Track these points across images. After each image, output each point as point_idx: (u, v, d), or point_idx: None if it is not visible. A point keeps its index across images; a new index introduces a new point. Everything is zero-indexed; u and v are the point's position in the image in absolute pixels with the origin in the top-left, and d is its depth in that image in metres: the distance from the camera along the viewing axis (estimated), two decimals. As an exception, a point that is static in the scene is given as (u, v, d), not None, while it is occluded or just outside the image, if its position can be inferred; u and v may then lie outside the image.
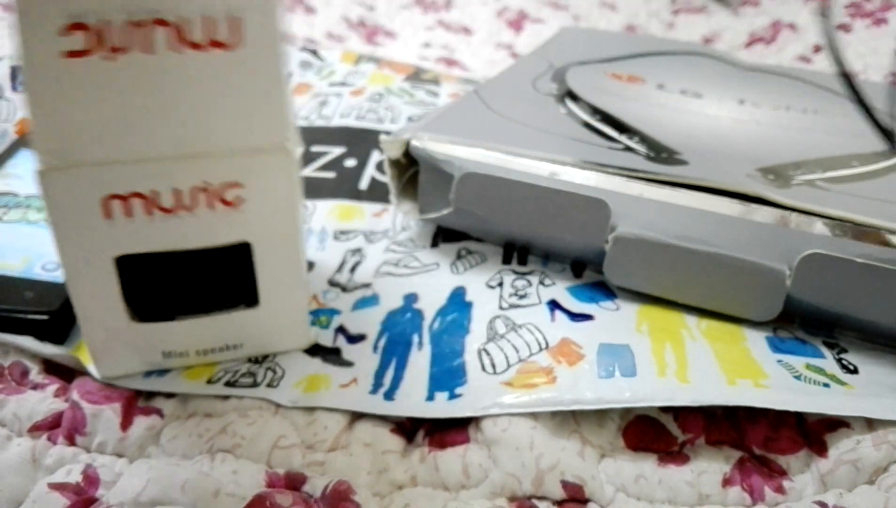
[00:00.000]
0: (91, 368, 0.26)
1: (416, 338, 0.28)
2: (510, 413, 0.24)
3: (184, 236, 0.23)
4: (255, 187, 0.23)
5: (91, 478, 0.23)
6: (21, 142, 0.38)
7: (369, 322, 0.29)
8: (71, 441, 0.24)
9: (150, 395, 0.26)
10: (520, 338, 0.27)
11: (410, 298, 0.30)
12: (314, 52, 0.55)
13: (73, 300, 0.24)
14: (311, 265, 0.33)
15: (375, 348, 0.28)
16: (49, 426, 0.25)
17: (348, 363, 0.27)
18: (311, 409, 0.25)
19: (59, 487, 0.23)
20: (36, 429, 0.24)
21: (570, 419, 0.25)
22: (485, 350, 0.27)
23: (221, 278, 0.25)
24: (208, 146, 0.22)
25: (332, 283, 0.32)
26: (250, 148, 0.22)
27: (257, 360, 0.27)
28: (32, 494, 0.22)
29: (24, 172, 0.35)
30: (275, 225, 0.24)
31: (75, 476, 0.23)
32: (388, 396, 0.25)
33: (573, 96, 0.39)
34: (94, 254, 0.23)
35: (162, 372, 0.26)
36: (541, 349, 0.27)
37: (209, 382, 0.26)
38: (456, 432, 0.25)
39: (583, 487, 0.23)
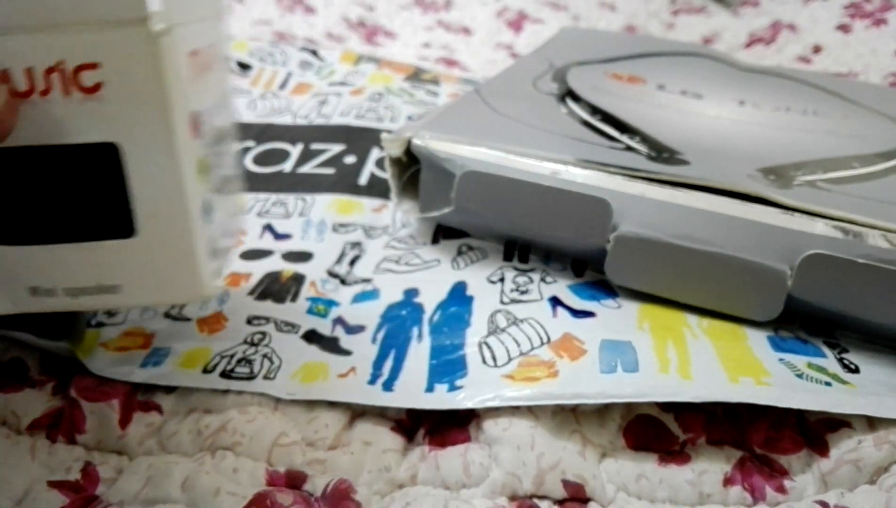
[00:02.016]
0: (87, 361, 0.26)
1: (415, 330, 0.28)
2: (511, 406, 0.24)
3: (40, 128, 0.20)
4: (114, 70, 0.20)
5: (90, 476, 0.23)
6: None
7: (369, 315, 0.29)
8: (70, 439, 0.24)
9: (149, 390, 0.26)
10: (521, 332, 0.27)
11: (411, 293, 0.30)
12: (314, 53, 0.55)
13: None
14: (308, 255, 0.33)
15: (374, 339, 0.28)
16: (48, 424, 0.24)
17: (346, 352, 0.27)
18: (311, 406, 0.25)
19: (58, 485, 0.22)
20: (35, 427, 0.24)
21: (571, 419, 0.25)
22: (485, 343, 0.27)
23: (92, 196, 0.22)
24: (60, 17, 0.19)
25: (332, 273, 0.32)
26: (106, 21, 0.19)
27: (253, 343, 0.27)
28: (32, 492, 0.22)
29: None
30: (143, 122, 0.20)
31: (74, 474, 0.23)
32: (387, 386, 0.25)
33: (574, 96, 0.39)
34: None
35: (157, 362, 0.26)
36: (542, 344, 0.27)
37: (205, 371, 0.26)
38: (457, 430, 0.24)
39: (584, 486, 0.23)
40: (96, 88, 0.20)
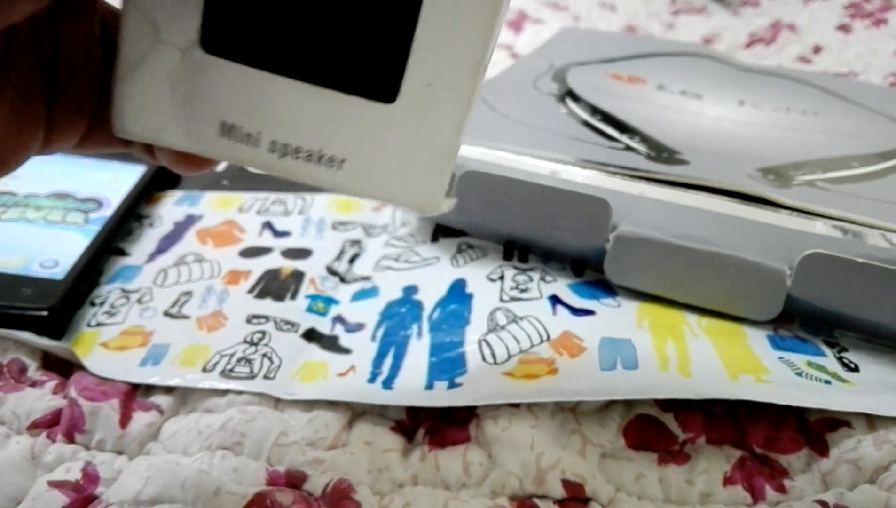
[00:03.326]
0: (87, 361, 0.26)
1: (415, 328, 0.28)
2: (511, 405, 0.24)
3: None
4: None
5: (90, 476, 0.23)
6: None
7: (368, 312, 0.29)
8: (70, 439, 0.24)
9: (148, 390, 0.26)
10: (521, 330, 0.27)
11: (410, 290, 0.30)
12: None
13: None
14: (308, 252, 0.33)
15: (374, 337, 0.28)
16: (48, 424, 0.24)
17: (346, 350, 0.27)
18: (310, 405, 0.25)
19: (58, 485, 0.22)
20: (35, 427, 0.24)
21: (571, 418, 0.24)
22: (485, 341, 0.27)
23: (364, 37, 0.16)
24: None
25: (331, 270, 0.32)
26: None
27: (253, 342, 0.27)
28: (32, 492, 0.22)
29: (22, 172, 0.35)
30: None
31: (75, 474, 0.23)
32: (387, 384, 0.25)
33: (574, 96, 0.39)
34: None
35: (156, 361, 0.26)
36: (542, 341, 0.27)
37: (205, 370, 0.26)
38: (456, 430, 0.24)
39: (583, 486, 0.23)
40: None
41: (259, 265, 0.32)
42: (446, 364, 0.26)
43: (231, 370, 0.26)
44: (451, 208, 0.20)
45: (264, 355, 0.27)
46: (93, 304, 0.30)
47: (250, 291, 0.30)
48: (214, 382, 0.25)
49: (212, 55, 0.16)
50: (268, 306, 0.29)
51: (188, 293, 0.30)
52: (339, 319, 0.29)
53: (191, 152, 0.17)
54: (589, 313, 0.28)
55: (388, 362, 0.27)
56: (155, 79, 0.16)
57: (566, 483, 0.23)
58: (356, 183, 0.17)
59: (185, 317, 0.29)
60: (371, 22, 0.16)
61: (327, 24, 0.16)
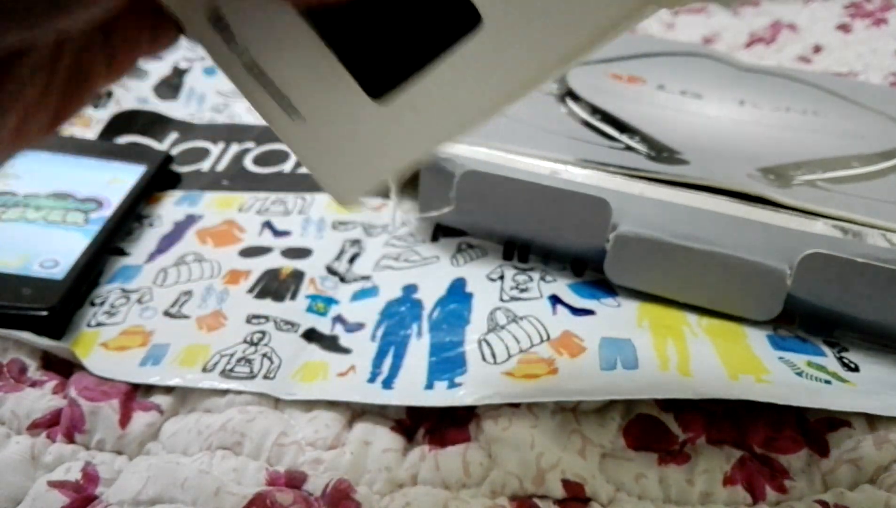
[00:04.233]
0: (87, 361, 0.26)
1: (415, 327, 0.28)
2: (511, 405, 0.24)
3: None
4: None
5: (90, 476, 0.23)
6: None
7: (368, 312, 0.29)
8: (70, 439, 0.24)
9: (148, 390, 0.26)
10: (521, 329, 0.27)
11: (410, 289, 0.30)
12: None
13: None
14: (308, 252, 0.33)
15: (374, 336, 0.28)
16: (48, 424, 0.24)
17: (346, 350, 0.27)
18: (310, 405, 0.25)
19: (58, 485, 0.22)
20: (35, 427, 0.24)
21: (571, 418, 0.24)
22: (485, 341, 0.27)
23: (402, 34, 0.17)
24: None
25: (331, 270, 0.32)
26: None
27: (253, 342, 0.27)
28: (32, 492, 0.22)
29: (22, 172, 0.35)
30: None
31: (74, 474, 0.23)
32: (387, 384, 0.25)
33: (574, 96, 0.38)
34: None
35: (156, 361, 0.26)
36: (542, 341, 0.27)
37: (204, 370, 0.26)
38: (456, 430, 0.24)
39: (584, 486, 0.23)
40: None
41: (259, 265, 0.32)
42: (446, 364, 0.26)
43: (231, 370, 0.26)
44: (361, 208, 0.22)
45: (264, 355, 0.27)
46: (93, 304, 0.30)
47: (250, 291, 0.30)
48: (214, 382, 0.25)
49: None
50: (268, 306, 0.29)
51: (188, 293, 0.30)
52: (338, 319, 0.29)
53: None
54: (589, 313, 0.28)
55: (387, 361, 0.27)
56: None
57: (566, 483, 0.23)
58: (298, 144, 0.18)
59: (185, 317, 0.29)
60: (415, 30, 0.16)
61: (380, 16, 0.16)
